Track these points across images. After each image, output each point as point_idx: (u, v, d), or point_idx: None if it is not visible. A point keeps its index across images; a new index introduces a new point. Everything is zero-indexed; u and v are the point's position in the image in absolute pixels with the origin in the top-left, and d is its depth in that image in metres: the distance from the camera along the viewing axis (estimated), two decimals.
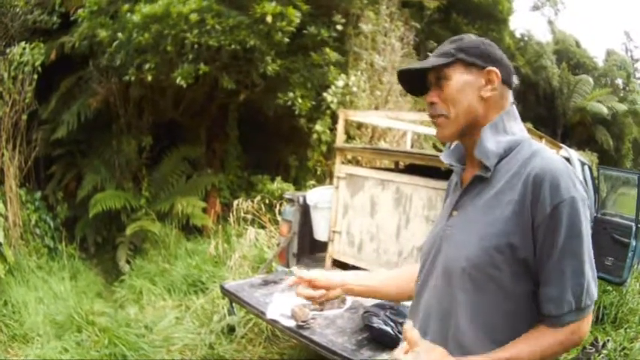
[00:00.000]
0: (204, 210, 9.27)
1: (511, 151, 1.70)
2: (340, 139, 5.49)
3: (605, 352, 5.71)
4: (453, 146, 1.94)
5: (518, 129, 1.76)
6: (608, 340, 6.00)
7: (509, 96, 1.79)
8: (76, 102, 9.77)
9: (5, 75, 8.21)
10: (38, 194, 9.33)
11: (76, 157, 10.44)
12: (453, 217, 1.79)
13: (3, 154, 8.21)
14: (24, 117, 8.43)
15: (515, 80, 1.85)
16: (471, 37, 1.81)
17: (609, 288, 7.38)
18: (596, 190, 7.74)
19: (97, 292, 7.90)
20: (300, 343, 4.12)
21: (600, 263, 6.77)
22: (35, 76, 8.41)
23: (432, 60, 1.77)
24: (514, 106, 1.81)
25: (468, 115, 1.74)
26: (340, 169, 5.33)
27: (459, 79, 1.72)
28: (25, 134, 8.59)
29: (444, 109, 1.76)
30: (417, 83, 1.87)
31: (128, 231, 8.75)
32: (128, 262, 8.68)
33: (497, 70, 1.72)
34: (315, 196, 5.69)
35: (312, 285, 2.06)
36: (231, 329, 5.87)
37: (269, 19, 7.85)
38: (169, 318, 6.24)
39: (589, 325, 1.65)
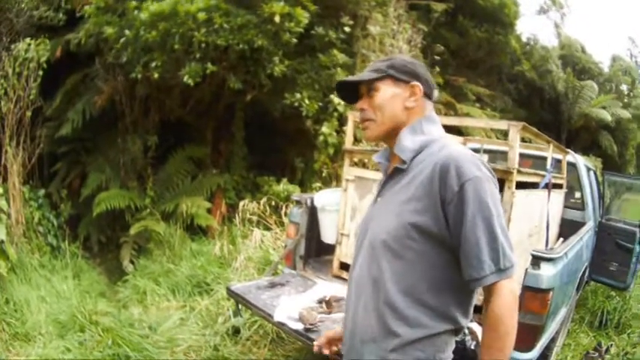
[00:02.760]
0: (209, 210, 9.23)
1: (425, 148, 2.04)
2: (349, 141, 5.44)
3: (608, 356, 5.76)
4: (383, 149, 2.30)
5: (435, 130, 2.12)
6: (611, 345, 6.07)
7: (430, 106, 2.17)
8: (81, 99, 9.74)
9: (10, 71, 8.14)
10: (42, 192, 9.27)
11: (80, 155, 10.39)
12: (377, 202, 2.16)
13: (6, 151, 8.15)
14: (28, 113, 8.34)
15: (435, 94, 2.23)
16: (401, 57, 2.22)
17: (613, 293, 7.44)
18: (601, 195, 7.75)
19: (100, 292, 7.86)
20: (308, 347, 4.07)
21: (604, 268, 6.88)
22: (40, 73, 8.34)
23: (367, 74, 2.15)
24: (433, 113, 2.18)
25: (392, 120, 2.11)
26: (349, 171, 5.29)
27: (388, 90, 2.11)
28: (29, 131, 8.49)
29: (372, 114, 2.13)
30: (350, 93, 2.24)
31: (132, 231, 8.69)
32: (132, 261, 8.66)
33: (421, 85, 2.11)
34: (323, 198, 5.67)
35: (331, 341, 2.50)
36: (236, 331, 5.82)
37: (277, 19, 7.84)
38: (174, 319, 6.20)
39: (516, 285, 1.92)
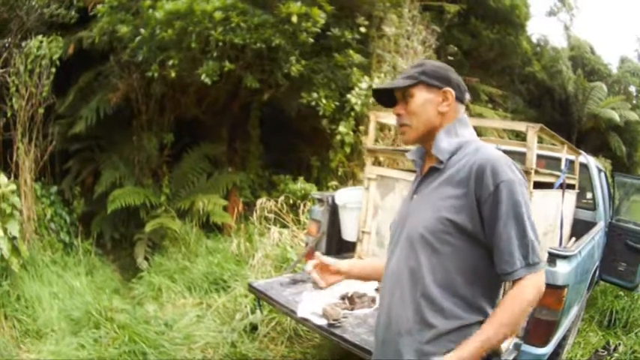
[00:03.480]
0: (225, 208, 9.22)
1: (460, 149, 2.17)
2: (371, 140, 5.51)
3: (616, 355, 5.87)
4: (416, 148, 2.42)
5: (468, 133, 2.26)
6: (619, 344, 6.19)
7: (461, 109, 2.29)
8: (95, 97, 9.71)
9: (22, 68, 8.13)
10: (54, 188, 9.27)
11: (93, 153, 10.37)
12: (414, 199, 2.28)
13: (18, 148, 8.13)
14: (40, 110, 8.33)
15: (467, 96, 2.32)
16: (432, 63, 2.33)
17: (621, 293, 7.55)
18: (611, 196, 7.83)
19: (113, 289, 7.84)
20: (331, 342, 4.14)
21: (613, 268, 7.00)
22: (53, 70, 8.33)
23: (401, 81, 2.26)
24: (465, 116, 2.31)
25: (427, 125, 2.23)
26: (371, 170, 5.33)
27: (421, 97, 2.22)
28: (41, 128, 8.49)
29: (407, 119, 2.26)
30: (386, 98, 2.36)
31: (148, 228, 8.67)
32: (146, 258, 8.62)
33: (452, 91, 2.22)
34: (344, 196, 5.71)
35: (326, 269, 2.58)
36: (254, 328, 5.84)
37: (294, 19, 7.83)
38: (190, 316, 6.22)
39: (543, 281, 2.05)
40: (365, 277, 2.77)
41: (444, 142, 2.19)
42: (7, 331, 5.92)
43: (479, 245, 2.06)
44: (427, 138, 2.25)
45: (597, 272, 6.50)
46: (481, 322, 2.06)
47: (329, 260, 2.57)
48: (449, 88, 2.21)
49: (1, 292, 6.32)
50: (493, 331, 1.97)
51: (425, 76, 2.21)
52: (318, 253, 2.58)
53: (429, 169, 2.24)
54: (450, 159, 2.16)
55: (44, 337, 5.93)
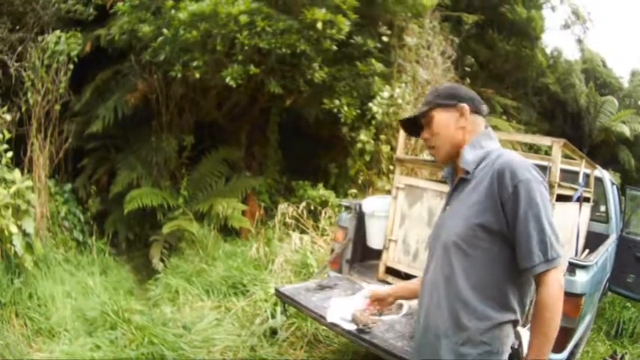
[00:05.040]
0: (244, 213, 9.20)
1: (484, 159, 2.33)
2: (400, 150, 5.56)
3: None
4: (447, 167, 2.62)
5: (492, 145, 2.41)
6: (625, 353, 6.42)
7: (481, 121, 2.47)
8: (113, 96, 9.73)
9: (38, 63, 8.11)
10: (68, 186, 9.29)
11: (109, 152, 10.40)
12: (446, 211, 2.46)
13: (33, 144, 8.06)
14: (57, 107, 8.28)
15: (484, 108, 2.50)
16: (444, 85, 2.67)
17: (628, 304, 7.70)
18: (622, 209, 7.92)
19: (128, 289, 7.82)
20: (352, 347, 4.51)
21: (622, 280, 7.15)
22: (71, 67, 8.31)
23: (420, 108, 2.53)
24: (490, 130, 2.49)
25: (450, 141, 2.43)
26: (399, 179, 5.37)
27: (440, 117, 2.44)
28: (57, 125, 8.42)
29: (433, 141, 2.48)
30: (415, 128, 2.60)
31: (165, 230, 8.63)
32: (162, 260, 8.56)
33: (466, 105, 2.41)
34: (372, 204, 5.74)
35: (376, 298, 3.22)
36: (274, 332, 5.84)
37: (319, 25, 7.85)
38: (209, 319, 6.18)
39: (562, 276, 2.21)
40: (409, 296, 3.19)
41: (469, 155, 2.37)
42: (18, 329, 5.86)
43: (507, 246, 2.20)
44: (454, 154, 2.45)
45: (607, 284, 6.68)
46: (512, 323, 2.26)
47: (381, 292, 3.19)
48: (463, 104, 2.41)
49: (13, 289, 6.25)
50: (541, 343, 2.13)
51: (439, 98, 2.46)
52: (367, 292, 3.23)
53: (458, 181, 2.44)
54: (476, 169, 2.33)
55: (57, 337, 5.89)
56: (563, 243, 5.12)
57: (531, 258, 2.11)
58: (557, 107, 23.87)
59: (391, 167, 9.20)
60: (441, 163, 2.67)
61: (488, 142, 2.41)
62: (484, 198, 2.20)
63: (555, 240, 2.15)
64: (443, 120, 2.42)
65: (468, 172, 2.35)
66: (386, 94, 9.11)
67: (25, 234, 6.49)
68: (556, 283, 2.13)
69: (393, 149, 9.41)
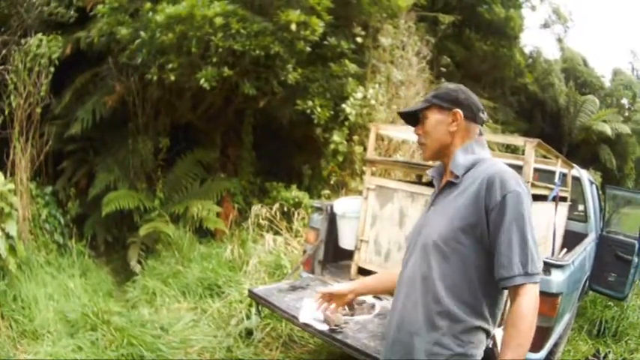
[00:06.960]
0: (219, 214, 9.24)
1: (475, 166, 2.35)
2: (371, 151, 5.60)
3: None
4: (436, 166, 2.61)
5: (483, 152, 2.44)
6: (609, 352, 6.44)
7: (475, 128, 2.47)
8: (91, 99, 9.70)
9: (21, 66, 8.09)
10: (49, 189, 9.25)
11: (87, 154, 10.35)
12: (430, 211, 2.46)
13: (15, 146, 8.05)
14: (38, 110, 8.28)
15: (482, 116, 2.49)
16: (445, 86, 2.56)
17: (611, 303, 7.76)
18: (602, 208, 7.99)
19: (107, 291, 7.85)
20: (326, 347, 4.48)
21: (603, 279, 7.14)
22: (52, 69, 8.31)
23: (417, 104, 2.56)
24: (482, 137, 2.51)
25: (439, 143, 2.46)
26: (370, 180, 5.41)
27: (434, 118, 2.46)
28: (38, 127, 8.42)
29: (423, 139, 2.52)
30: (413, 119, 2.59)
31: (142, 232, 8.65)
32: (139, 262, 8.60)
33: (461, 112, 2.41)
34: (343, 205, 5.78)
35: (332, 297, 3.11)
36: (249, 333, 5.89)
37: (293, 27, 7.90)
38: (185, 320, 6.23)
39: (538, 293, 2.18)
40: (371, 291, 3.31)
41: (460, 159, 2.38)
42: (4, 332, 5.88)
43: (484, 253, 2.22)
44: (441, 155, 2.49)
45: (587, 282, 6.66)
46: (484, 330, 2.28)
47: (333, 289, 3.12)
48: (457, 109, 2.41)
49: None
50: (514, 353, 2.10)
51: (437, 99, 2.46)
52: (318, 289, 2.99)
53: (445, 183, 2.45)
54: (465, 174, 2.35)
55: (40, 338, 5.90)
56: (538, 243, 5.21)
57: (510, 268, 2.13)
58: (535, 107, 23.97)
59: (364, 168, 9.21)
60: (426, 160, 2.85)
61: (480, 149, 2.45)
62: (469, 203, 2.24)
63: (537, 256, 2.18)
64: (435, 121, 2.46)
65: (457, 177, 2.37)
66: (359, 95, 9.20)
67: (8, 237, 6.48)
68: (533, 295, 2.15)
69: (366, 150, 9.53)
